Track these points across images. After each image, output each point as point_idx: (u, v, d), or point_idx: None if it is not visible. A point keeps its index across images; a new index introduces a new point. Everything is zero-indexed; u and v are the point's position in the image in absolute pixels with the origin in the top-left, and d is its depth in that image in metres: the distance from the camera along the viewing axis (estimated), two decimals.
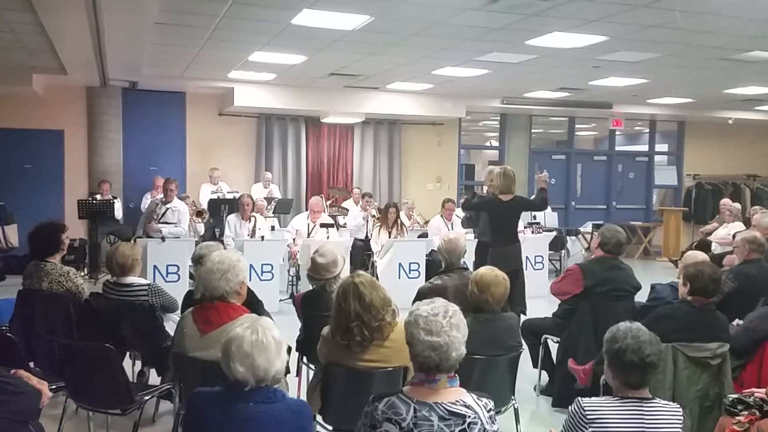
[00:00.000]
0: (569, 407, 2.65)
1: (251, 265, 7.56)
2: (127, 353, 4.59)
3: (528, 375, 5.26)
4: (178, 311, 4.47)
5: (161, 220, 8.49)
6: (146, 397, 3.79)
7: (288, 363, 3.00)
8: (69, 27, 7.03)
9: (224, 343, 2.39)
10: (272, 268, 8.03)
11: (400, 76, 10.22)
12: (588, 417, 2.55)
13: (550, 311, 5.33)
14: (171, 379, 3.91)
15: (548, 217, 11.65)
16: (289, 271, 8.86)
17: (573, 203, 14.54)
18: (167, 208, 8.57)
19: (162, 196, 8.76)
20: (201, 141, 12.07)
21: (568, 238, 11.55)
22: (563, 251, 11.27)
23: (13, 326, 4.55)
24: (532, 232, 9.59)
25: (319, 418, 3.35)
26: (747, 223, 8.72)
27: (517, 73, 9.59)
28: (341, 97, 11.66)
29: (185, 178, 11.92)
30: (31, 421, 2.98)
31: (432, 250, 8.73)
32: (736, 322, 4.38)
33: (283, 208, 11.06)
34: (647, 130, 15.52)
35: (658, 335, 2.70)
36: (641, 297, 5.12)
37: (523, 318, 5.59)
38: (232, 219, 8.58)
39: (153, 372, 4.58)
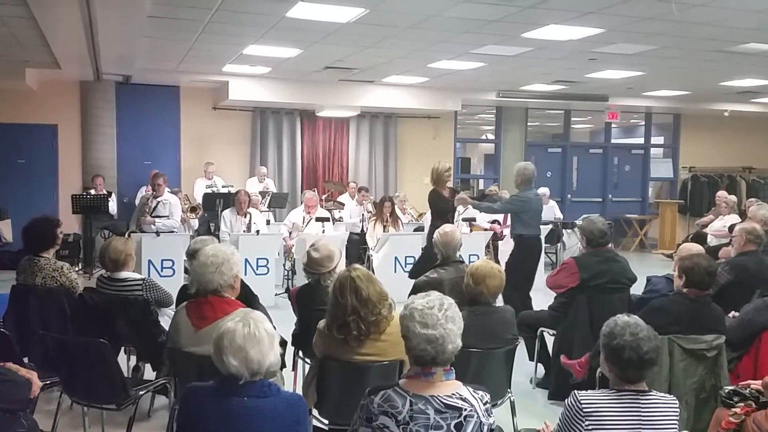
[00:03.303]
0: (565, 400, 2.64)
1: (246, 260, 7.54)
2: (122, 348, 4.57)
3: (524, 368, 5.26)
4: (173, 306, 4.45)
5: (153, 214, 8.52)
6: (141, 392, 3.77)
7: (283, 357, 3.00)
8: (62, 20, 6.98)
9: (216, 338, 2.37)
10: (268, 263, 8.01)
11: (395, 69, 10.19)
12: (584, 410, 2.54)
13: (546, 304, 5.33)
14: (166, 374, 3.90)
15: (547, 209, 11.65)
16: (284, 265, 8.85)
17: (569, 196, 14.54)
18: (158, 202, 8.59)
19: (152, 190, 8.77)
20: (195, 135, 12.02)
21: (564, 231, 11.53)
22: (559, 244, 11.27)
23: (6, 322, 4.53)
24: None
25: (314, 411, 3.34)
26: (743, 215, 8.72)
27: (512, 66, 9.57)
28: (336, 90, 11.62)
29: (179, 172, 11.89)
30: (24, 415, 2.96)
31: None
32: (732, 314, 4.38)
33: (278, 203, 11.03)
34: (643, 123, 15.52)
35: (654, 327, 2.69)
36: (637, 289, 5.13)
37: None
38: (227, 214, 8.57)
39: (148, 367, 4.56)
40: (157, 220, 8.44)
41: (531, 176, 6.48)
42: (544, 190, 11.96)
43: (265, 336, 2.34)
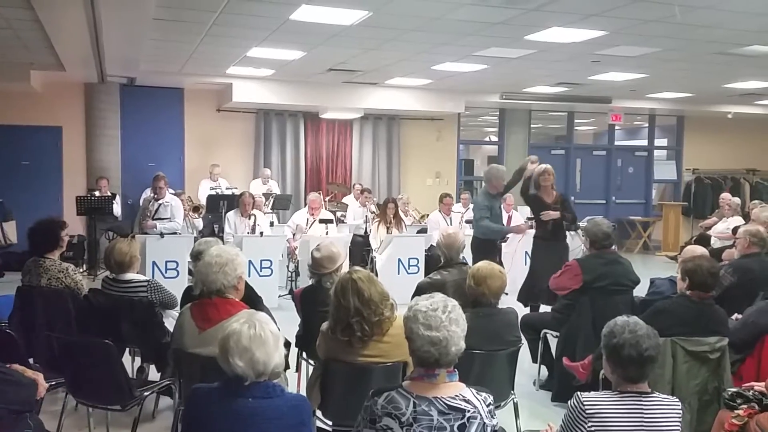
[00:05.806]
0: (568, 402, 2.65)
1: (250, 261, 7.56)
2: (127, 349, 4.59)
3: (527, 370, 5.26)
4: (178, 307, 4.47)
5: (155, 217, 8.52)
6: (146, 393, 3.79)
7: (287, 358, 3.01)
8: (67, 23, 7.01)
9: (222, 339, 2.38)
10: (271, 264, 8.02)
11: (398, 71, 10.20)
12: (587, 411, 2.55)
13: (549, 306, 5.33)
14: (170, 375, 3.91)
15: None
16: (288, 267, 8.86)
17: (572, 198, 14.49)
18: (159, 204, 8.59)
19: (152, 193, 8.78)
20: (199, 137, 12.05)
21: (567, 233, 11.51)
22: None
23: (12, 323, 4.56)
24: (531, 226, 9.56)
25: (318, 413, 3.35)
26: (746, 217, 8.71)
27: (516, 68, 9.58)
28: (340, 92, 11.64)
29: (184, 174, 11.92)
30: (30, 415, 2.98)
31: (431, 245, 8.73)
32: (735, 316, 4.38)
33: (281, 204, 11.04)
34: (646, 125, 15.51)
35: (657, 330, 2.70)
36: (640, 291, 5.13)
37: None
38: (231, 216, 8.59)
39: (152, 368, 4.58)
40: (158, 223, 8.44)
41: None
42: None
43: (270, 337, 2.36)
